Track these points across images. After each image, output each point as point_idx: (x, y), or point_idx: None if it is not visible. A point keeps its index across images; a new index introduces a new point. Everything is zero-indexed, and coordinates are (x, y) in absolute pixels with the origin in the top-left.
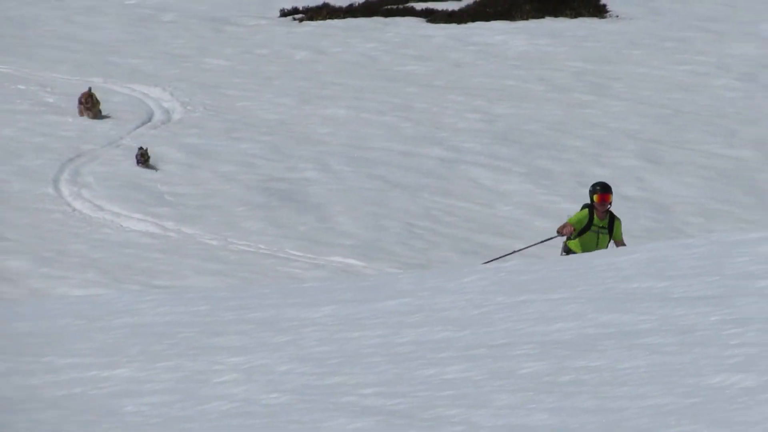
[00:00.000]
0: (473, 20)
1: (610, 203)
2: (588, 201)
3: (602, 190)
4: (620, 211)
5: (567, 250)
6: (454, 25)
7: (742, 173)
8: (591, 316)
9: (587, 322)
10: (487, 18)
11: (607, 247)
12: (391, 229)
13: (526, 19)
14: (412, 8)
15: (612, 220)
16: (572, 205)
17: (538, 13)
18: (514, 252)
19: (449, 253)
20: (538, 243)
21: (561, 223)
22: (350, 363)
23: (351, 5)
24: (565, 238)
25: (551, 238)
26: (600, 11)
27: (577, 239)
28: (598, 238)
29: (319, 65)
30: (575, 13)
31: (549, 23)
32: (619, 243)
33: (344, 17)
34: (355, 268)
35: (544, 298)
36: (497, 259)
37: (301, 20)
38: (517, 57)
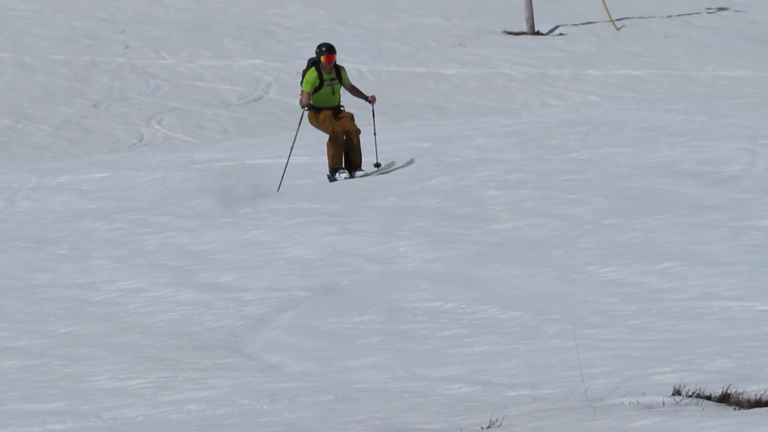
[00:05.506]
0: None
1: (335, 61)
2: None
3: (327, 51)
4: None
5: (311, 107)
6: None
7: None
8: None
9: None
10: None
11: (339, 94)
12: None
13: None
14: None
15: (338, 71)
16: None
17: None
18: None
19: None
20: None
21: (298, 96)
22: None
23: None
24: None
25: (301, 118)
26: None
27: (314, 96)
28: (332, 89)
29: None
30: None
31: None
32: (349, 88)
33: None
34: None
35: None
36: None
37: None
38: None
